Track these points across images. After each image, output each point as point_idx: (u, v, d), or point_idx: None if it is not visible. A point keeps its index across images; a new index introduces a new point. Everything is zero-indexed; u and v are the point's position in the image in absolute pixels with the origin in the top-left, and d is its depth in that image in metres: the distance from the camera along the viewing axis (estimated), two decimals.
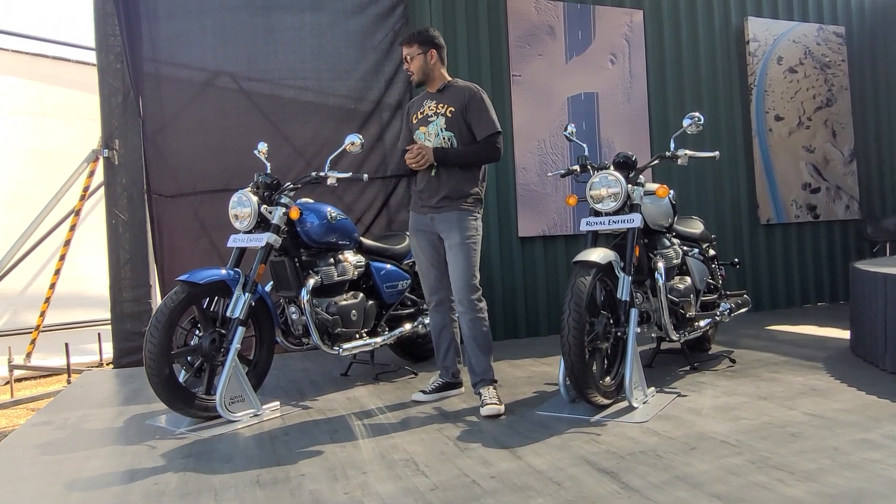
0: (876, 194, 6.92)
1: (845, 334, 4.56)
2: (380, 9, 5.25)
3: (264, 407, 3.28)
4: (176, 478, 2.43)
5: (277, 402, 3.40)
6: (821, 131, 6.58)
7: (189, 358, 3.28)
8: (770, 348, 4.37)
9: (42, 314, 6.27)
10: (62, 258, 6.12)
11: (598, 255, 3.05)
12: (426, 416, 3.14)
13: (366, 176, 3.72)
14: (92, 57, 8.61)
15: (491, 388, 3.25)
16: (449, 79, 3.43)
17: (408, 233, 4.47)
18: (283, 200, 3.49)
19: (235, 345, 3.16)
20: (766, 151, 6.31)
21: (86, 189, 5.77)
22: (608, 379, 3.14)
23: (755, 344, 4.54)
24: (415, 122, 3.44)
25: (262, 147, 3.73)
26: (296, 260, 3.64)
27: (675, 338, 3.51)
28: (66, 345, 5.61)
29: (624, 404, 3.08)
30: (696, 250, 4.04)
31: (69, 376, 5.59)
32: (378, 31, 5.26)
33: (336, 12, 5.16)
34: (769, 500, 2.02)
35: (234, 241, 3.48)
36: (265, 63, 5.06)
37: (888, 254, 6.41)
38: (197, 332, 3.28)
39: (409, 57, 3.40)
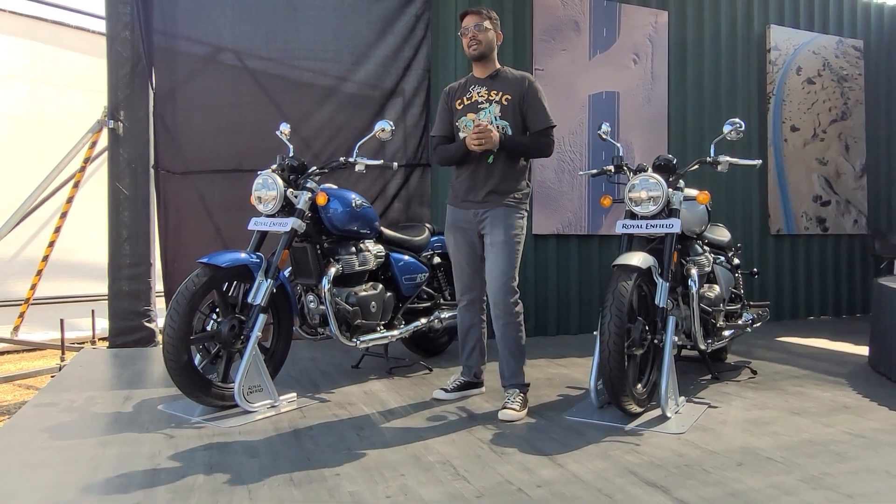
0: (884, 210, 6.92)
1: (860, 349, 4.55)
2: None
3: (281, 398, 3.15)
4: (202, 472, 2.30)
5: (294, 394, 3.28)
6: (834, 144, 6.56)
7: (205, 344, 3.14)
8: (787, 361, 4.33)
9: (33, 287, 6.05)
10: (57, 230, 5.90)
11: (639, 259, 2.97)
12: (452, 417, 3.04)
13: (395, 164, 3.61)
14: (92, 24, 8.38)
15: (517, 391, 3.15)
16: (499, 65, 3.29)
17: (427, 224, 4.41)
18: (308, 185, 3.36)
19: (256, 332, 3.03)
20: (780, 161, 6.27)
21: (86, 160, 5.56)
22: (639, 386, 3.06)
23: (770, 356, 4.49)
24: (459, 107, 3.27)
25: (285, 128, 3.57)
26: (317, 247, 3.51)
27: (703, 347, 3.45)
28: (62, 321, 5.41)
29: (655, 413, 3.01)
30: (723, 258, 3.98)
31: (63, 353, 5.41)
32: (401, 16, 5.12)
33: None
34: None
35: (256, 225, 3.35)
36: (284, 42, 4.89)
37: (895, 271, 6.41)
38: (214, 317, 3.15)
39: (477, 26, 3.17)
